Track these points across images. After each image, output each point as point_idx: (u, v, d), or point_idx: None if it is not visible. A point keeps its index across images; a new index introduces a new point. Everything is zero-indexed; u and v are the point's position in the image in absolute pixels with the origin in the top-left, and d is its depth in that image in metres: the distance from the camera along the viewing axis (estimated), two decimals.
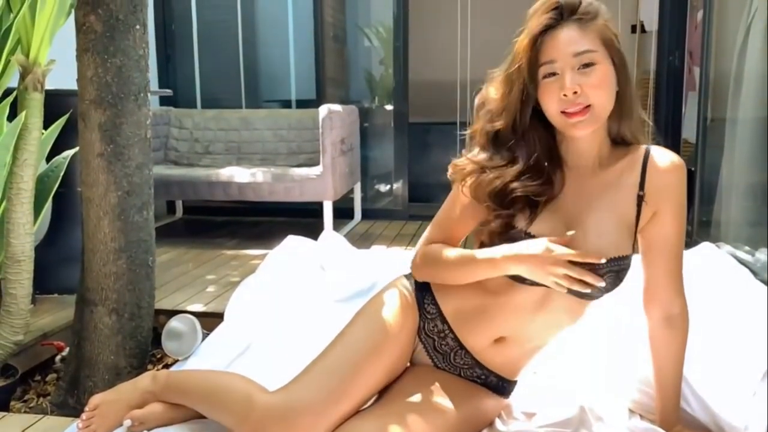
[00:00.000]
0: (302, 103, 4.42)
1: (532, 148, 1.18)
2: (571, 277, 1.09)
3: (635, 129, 1.22)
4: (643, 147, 1.22)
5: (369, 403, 1.25)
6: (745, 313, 1.73)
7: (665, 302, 1.23)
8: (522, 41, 1.15)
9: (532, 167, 1.18)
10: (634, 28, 4.54)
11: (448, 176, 1.27)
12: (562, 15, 1.12)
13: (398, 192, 4.33)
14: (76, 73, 1.76)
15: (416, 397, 1.19)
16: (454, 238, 1.29)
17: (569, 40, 1.11)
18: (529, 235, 1.16)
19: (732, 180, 2.81)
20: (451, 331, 1.26)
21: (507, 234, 1.18)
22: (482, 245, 1.23)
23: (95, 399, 1.35)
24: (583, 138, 1.17)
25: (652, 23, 4.12)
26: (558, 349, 1.53)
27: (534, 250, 1.11)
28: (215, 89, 4.48)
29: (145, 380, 1.36)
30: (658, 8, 3.85)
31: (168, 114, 4.05)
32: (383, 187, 4.54)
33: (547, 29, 1.12)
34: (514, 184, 1.16)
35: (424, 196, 4.41)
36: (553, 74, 1.12)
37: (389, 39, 4.43)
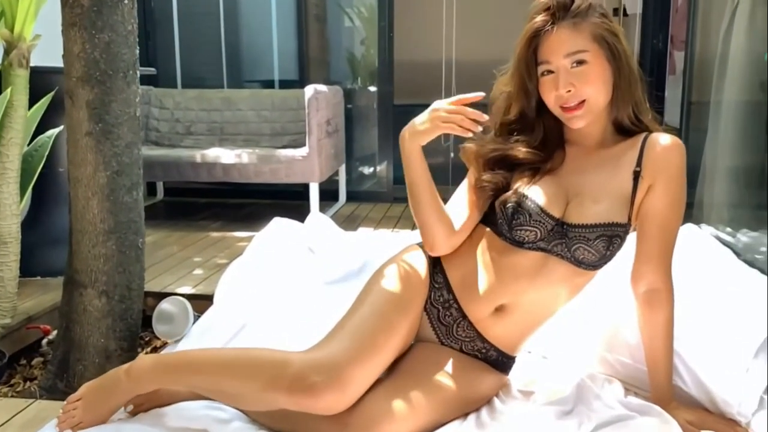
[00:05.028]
0: (284, 84, 4.37)
1: (537, 132, 1.28)
2: (462, 124, 1.21)
3: (640, 115, 1.27)
4: (646, 132, 1.27)
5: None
6: (732, 292, 1.77)
7: (649, 278, 1.26)
8: (519, 42, 1.25)
9: (537, 146, 1.27)
10: (616, 11, 4.56)
11: (461, 157, 1.34)
12: (554, 16, 1.20)
13: (383, 174, 4.32)
14: (61, 49, 1.71)
15: (420, 375, 1.22)
16: (464, 221, 1.31)
17: (561, 41, 1.20)
18: (527, 198, 1.24)
19: (715, 162, 2.86)
20: (456, 300, 1.29)
21: (500, 193, 1.26)
22: (487, 215, 1.30)
23: (82, 389, 1.29)
24: (584, 125, 1.25)
25: (635, 6, 4.14)
26: (551, 327, 1.56)
27: (424, 112, 1.26)
28: (196, 68, 4.40)
29: (120, 379, 1.25)
30: None
31: (148, 93, 3.97)
32: (367, 170, 4.52)
33: (542, 30, 1.21)
34: (516, 152, 1.26)
35: None
36: (550, 72, 1.22)
37: (371, 19, 4.38)
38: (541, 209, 1.23)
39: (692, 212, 3.04)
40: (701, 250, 2.15)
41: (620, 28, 1.25)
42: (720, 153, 2.81)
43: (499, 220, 1.26)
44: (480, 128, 1.21)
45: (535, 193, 1.24)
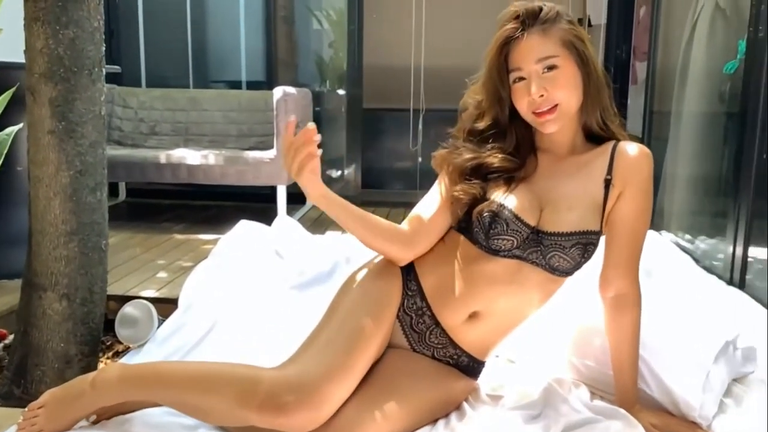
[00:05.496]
0: (251, 85, 4.33)
1: (510, 139, 1.28)
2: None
3: (607, 120, 1.29)
4: (614, 141, 1.30)
5: None
6: (693, 298, 1.82)
7: (618, 283, 1.29)
8: (490, 51, 1.25)
9: (511, 153, 1.27)
10: (581, 22, 4.66)
11: (432, 165, 1.32)
12: (524, 23, 1.21)
13: (350, 178, 4.31)
14: (23, 44, 1.66)
15: (392, 384, 1.20)
16: (428, 226, 1.30)
17: (532, 47, 1.21)
18: (504, 208, 1.23)
19: (675, 171, 2.94)
20: (429, 308, 1.28)
21: (476, 203, 1.25)
22: (460, 222, 1.28)
23: (45, 396, 1.25)
24: (556, 130, 1.26)
25: (599, 17, 4.23)
26: (518, 331, 1.57)
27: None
28: (161, 67, 4.32)
29: (85, 391, 1.21)
30: (608, 3, 3.97)
31: (111, 92, 3.89)
32: (335, 173, 4.50)
33: (512, 37, 1.22)
34: (491, 159, 1.25)
35: (377, 183, 4.41)
36: (522, 78, 1.23)
37: (340, 22, 4.38)
38: (518, 218, 1.23)
39: (653, 219, 3.12)
40: (662, 257, 2.21)
41: (587, 35, 1.27)
42: (680, 162, 2.90)
43: (475, 228, 1.25)
44: (318, 137, 1.14)
45: (511, 202, 1.24)
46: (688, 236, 2.81)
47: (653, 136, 3.22)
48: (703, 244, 2.65)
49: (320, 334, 1.23)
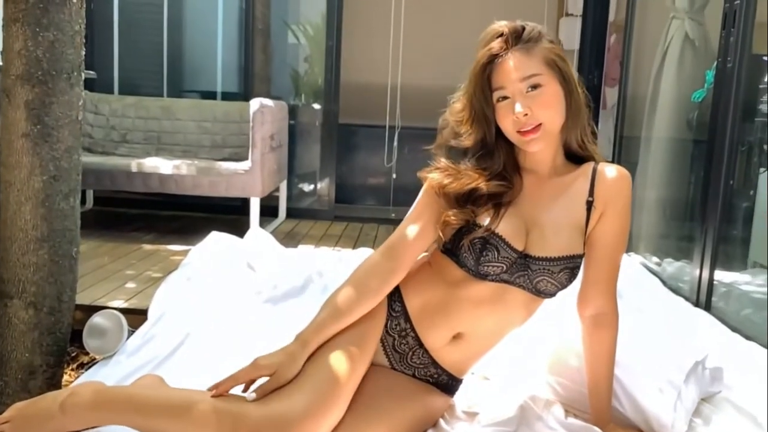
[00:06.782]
0: (225, 96, 4.31)
1: (497, 159, 1.27)
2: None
3: (585, 140, 1.31)
4: (593, 163, 1.31)
5: None
6: (661, 318, 1.86)
7: (598, 302, 1.30)
8: (473, 70, 1.24)
9: (497, 174, 1.26)
10: None
11: (424, 186, 1.31)
12: (507, 42, 1.21)
13: (324, 192, 4.30)
14: (0, 45, 1.63)
15: (373, 404, 1.20)
16: (410, 246, 1.28)
17: (515, 66, 1.20)
18: (495, 235, 1.22)
19: (644, 195, 3.01)
20: (413, 329, 1.28)
21: (468, 229, 1.23)
22: (445, 243, 1.28)
23: (11, 410, 1.22)
24: (539, 149, 1.26)
25: (572, 43, 4.34)
26: (495, 349, 1.58)
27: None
28: (135, 75, 4.27)
29: (54, 414, 1.17)
30: (581, 30, 4.07)
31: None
32: (308, 187, 4.49)
33: (495, 57, 1.21)
34: (482, 184, 1.24)
35: (351, 198, 4.41)
36: (506, 98, 1.22)
37: (316, 37, 4.41)
38: (507, 243, 1.23)
39: None
40: (631, 278, 2.25)
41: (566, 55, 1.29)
42: (649, 186, 2.97)
43: (464, 254, 1.23)
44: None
45: (500, 227, 1.23)
46: (655, 259, 2.88)
47: (623, 160, 3.30)
48: (670, 266, 2.72)
49: (306, 366, 1.18)
